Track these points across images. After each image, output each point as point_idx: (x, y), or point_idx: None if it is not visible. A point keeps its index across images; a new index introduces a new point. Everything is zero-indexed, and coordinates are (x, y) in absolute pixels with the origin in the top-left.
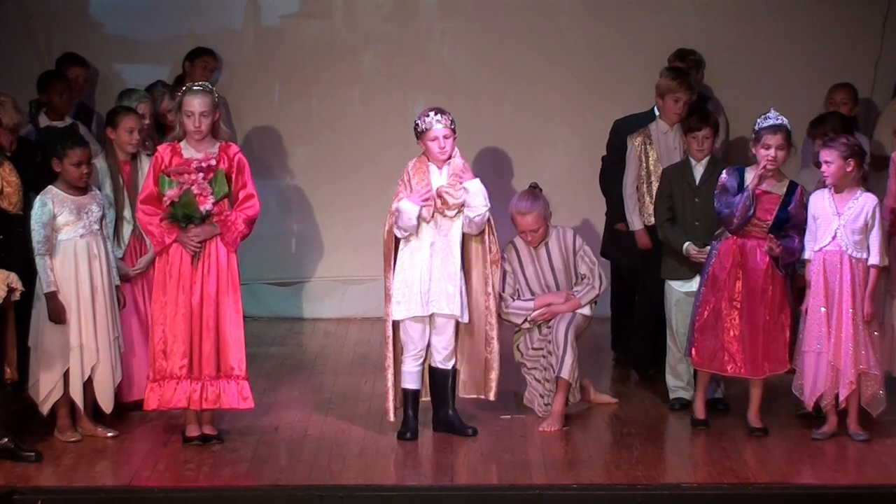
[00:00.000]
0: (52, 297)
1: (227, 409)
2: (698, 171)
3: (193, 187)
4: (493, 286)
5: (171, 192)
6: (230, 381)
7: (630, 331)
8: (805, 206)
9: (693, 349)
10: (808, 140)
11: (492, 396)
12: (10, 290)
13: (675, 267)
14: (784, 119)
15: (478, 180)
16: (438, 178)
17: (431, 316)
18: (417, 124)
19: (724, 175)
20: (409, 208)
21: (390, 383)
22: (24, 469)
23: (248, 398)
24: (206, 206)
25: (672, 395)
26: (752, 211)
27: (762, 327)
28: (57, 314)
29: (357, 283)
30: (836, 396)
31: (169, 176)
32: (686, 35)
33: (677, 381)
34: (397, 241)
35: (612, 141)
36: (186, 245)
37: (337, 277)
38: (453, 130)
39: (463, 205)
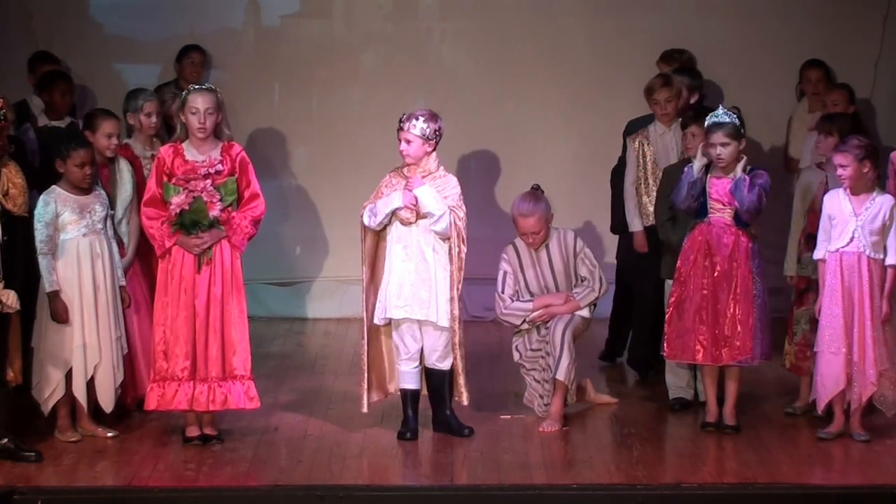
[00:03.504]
0: (54, 297)
1: (234, 410)
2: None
3: (203, 195)
4: (457, 291)
5: (178, 200)
6: (235, 382)
7: (630, 332)
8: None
9: (664, 343)
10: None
11: (465, 401)
12: (2, 304)
13: (674, 266)
14: (728, 117)
15: (426, 185)
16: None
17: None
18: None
19: (686, 168)
20: (394, 197)
21: (366, 373)
22: (24, 469)
23: (254, 398)
24: (215, 212)
25: (672, 395)
26: (696, 192)
27: (724, 313)
28: (59, 314)
29: (357, 283)
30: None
31: (174, 183)
32: (686, 35)
33: (677, 381)
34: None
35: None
36: (190, 249)
37: (337, 277)
38: None
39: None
